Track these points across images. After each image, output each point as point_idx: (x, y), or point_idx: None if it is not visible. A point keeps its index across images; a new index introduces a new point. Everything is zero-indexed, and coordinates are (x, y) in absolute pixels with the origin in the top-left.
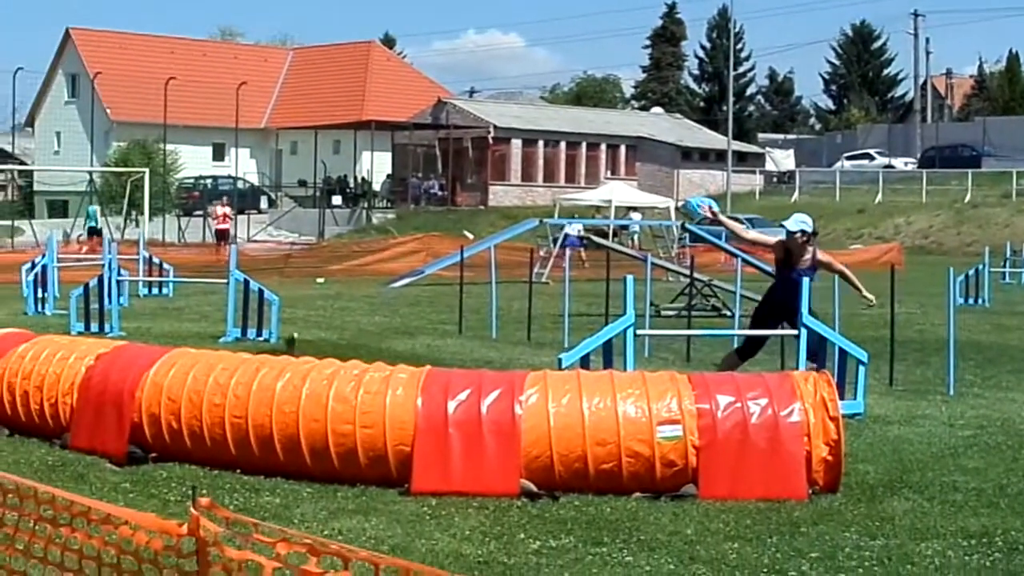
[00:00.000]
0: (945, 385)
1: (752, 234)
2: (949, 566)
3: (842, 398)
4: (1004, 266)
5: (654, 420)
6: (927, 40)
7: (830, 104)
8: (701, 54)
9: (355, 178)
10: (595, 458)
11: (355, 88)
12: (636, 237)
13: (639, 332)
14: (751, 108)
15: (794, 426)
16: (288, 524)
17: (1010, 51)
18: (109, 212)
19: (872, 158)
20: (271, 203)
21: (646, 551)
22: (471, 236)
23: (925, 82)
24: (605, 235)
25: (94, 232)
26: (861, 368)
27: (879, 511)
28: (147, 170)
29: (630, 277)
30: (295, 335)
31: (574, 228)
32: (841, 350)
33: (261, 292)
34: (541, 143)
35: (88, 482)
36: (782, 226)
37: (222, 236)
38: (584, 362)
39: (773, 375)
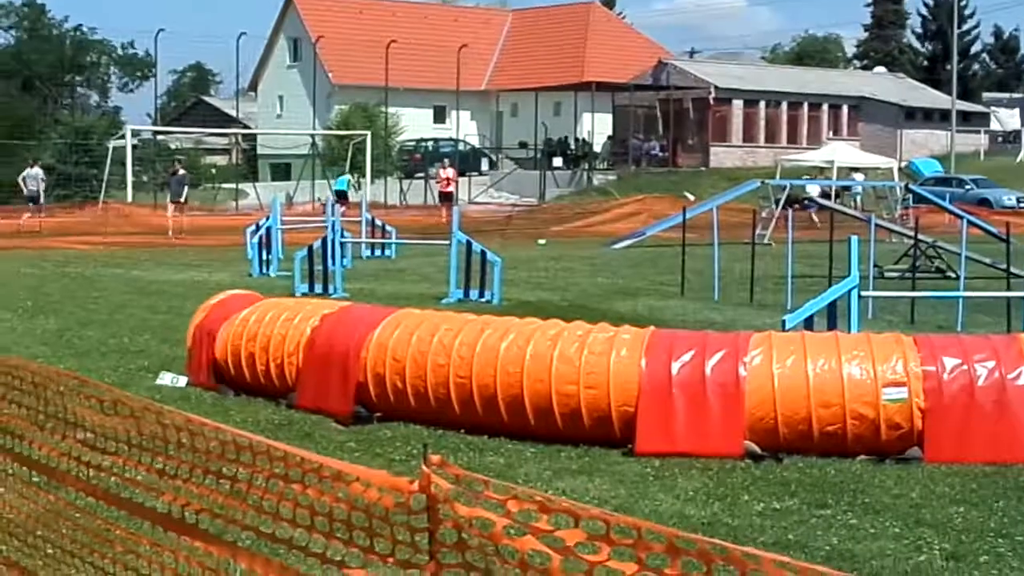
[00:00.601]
0: None
1: None
2: None
3: None
4: None
5: (879, 382)
6: None
7: None
8: (924, 11)
9: (575, 140)
10: (819, 420)
11: (575, 49)
12: (859, 198)
13: (863, 293)
14: (975, 66)
15: (1022, 389)
16: (513, 484)
17: None
18: (331, 175)
19: None
20: (492, 165)
21: (871, 514)
22: (692, 198)
23: None
24: (827, 196)
25: (342, 196)
26: None
27: None
28: (369, 133)
29: (854, 238)
30: None
31: (814, 189)
32: None
33: (484, 253)
34: (762, 104)
35: (314, 440)
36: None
37: (446, 198)
38: (808, 323)
39: (1000, 337)
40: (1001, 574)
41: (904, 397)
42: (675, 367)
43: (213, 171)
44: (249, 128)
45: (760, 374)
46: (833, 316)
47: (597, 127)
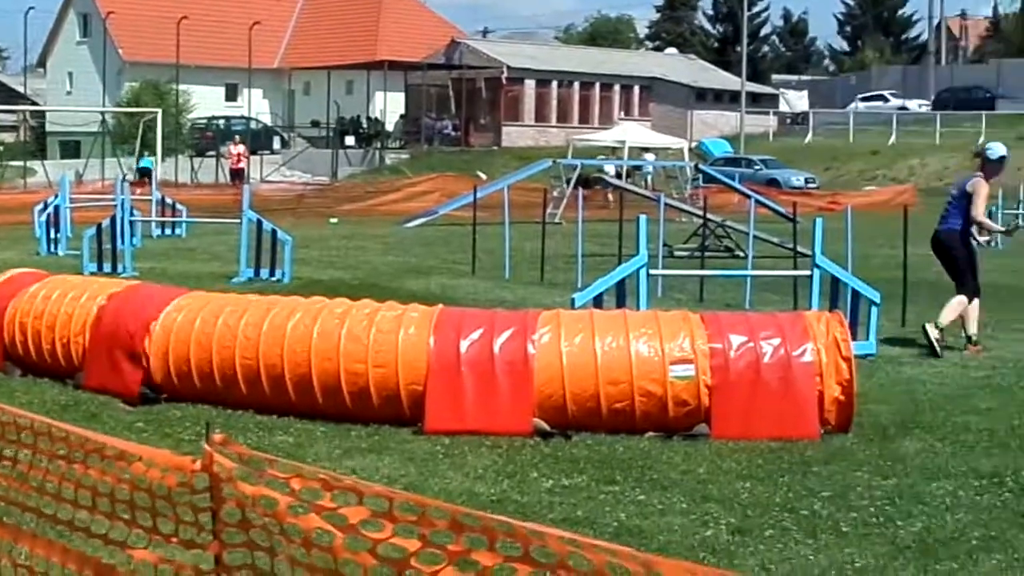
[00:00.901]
0: (957, 327)
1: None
2: (959, 505)
3: (855, 339)
4: (1018, 208)
5: (667, 359)
6: None
7: (844, 45)
8: None
9: (368, 118)
10: (608, 397)
11: (368, 28)
12: (649, 178)
13: (652, 272)
14: (765, 49)
15: (806, 366)
16: (302, 463)
17: None
18: (121, 153)
19: (886, 100)
20: (284, 144)
21: (659, 490)
22: (484, 177)
23: (940, 24)
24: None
25: (146, 174)
26: (874, 309)
27: (891, 451)
28: (160, 111)
29: (643, 217)
30: None
31: (611, 168)
32: (854, 291)
33: (274, 232)
34: (555, 84)
35: (101, 421)
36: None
37: (237, 176)
38: (597, 302)
39: (786, 315)
40: (786, 548)
41: (691, 374)
42: (464, 345)
43: (0, 148)
44: (38, 105)
45: (548, 352)
46: (622, 294)
47: (390, 106)
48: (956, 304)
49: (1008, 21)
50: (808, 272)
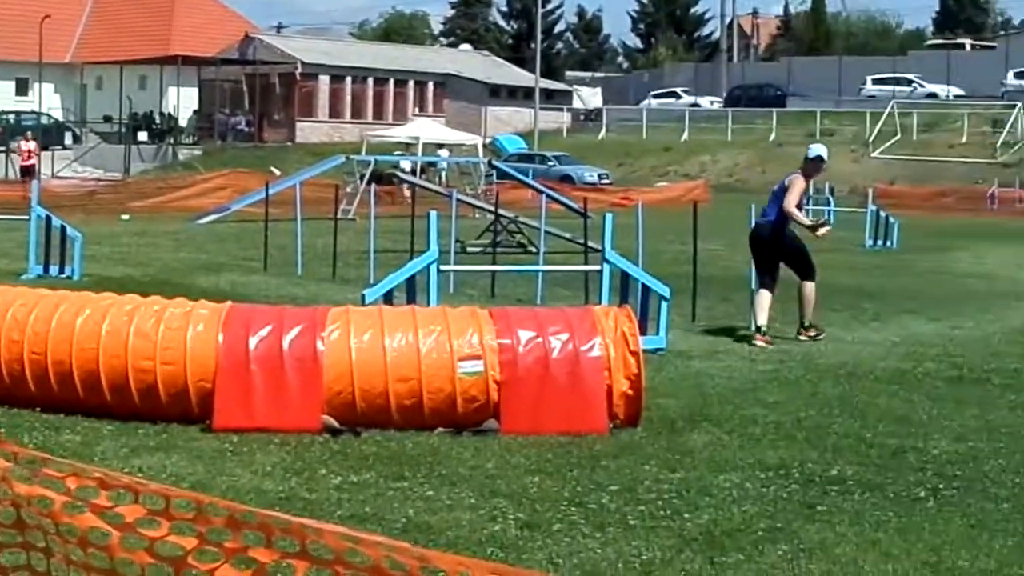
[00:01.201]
0: (747, 321)
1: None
2: (746, 497)
3: (645, 333)
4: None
5: (455, 356)
6: None
7: (638, 43)
8: None
9: (161, 114)
10: (397, 394)
11: (162, 22)
12: (444, 174)
13: (443, 268)
14: (559, 46)
15: (595, 361)
16: (88, 462)
17: None
18: None
19: (678, 96)
20: (76, 139)
21: (447, 485)
22: (278, 172)
23: (732, 22)
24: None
25: None
26: (663, 303)
27: (679, 444)
28: None
29: (434, 213)
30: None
31: (407, 164)
32: (644, 286)
33: (64, 229)
34: (349, 80)
35: None
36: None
37: (27, 172)
38: (388, 298)
39: (575, 309)
40: (574, 541)
41: (480, 370)
42: (252, 342)
43: None
44: None
45: (338, 348)
46: (412, 291)
47: (183, 101)
48: (810, 294)
49: (799, 20)
50: (598, 267)
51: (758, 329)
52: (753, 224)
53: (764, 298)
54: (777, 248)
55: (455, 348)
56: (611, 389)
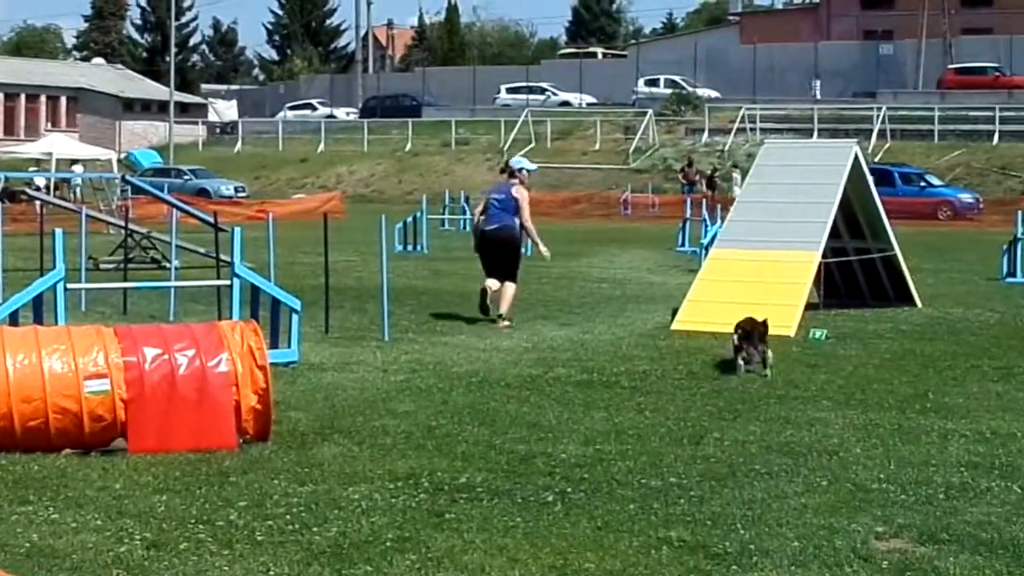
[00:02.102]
0: (381, 331)
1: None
2: (375, 508)
3: (277, 347)
4: (443, 213)
5: (81, 375)
6: None
7: (274, 55)
8: (143, 3)
9: None
10: (21, 415)
11: None
12: (78, 190)
13: (71, 286)
14: (195, 59)
15: (222, 376)
16: None
17: (450, 2)
18: None
19: (315, 108)
20: None
21: (73, 508)
22: None
23: (367, 33)
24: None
25: None
26: (295, 316)
27: (309, 457)
28: None
29: (59, 231)
30: None
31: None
32: (275, 299)
33: None
34: None
35: None
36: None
37: None
38: (14, 318)
39: (200, 325)
40: (201, 560)
41: (106, 389)
42: None
43: None
44: None
45: None
46: (39, 310)
47: None
48: (511, 292)
49: (433, 30)
50: (228, 281)
51: (500, 316)
52: (488, 228)
53: (508, 289)
54: (512, 252)
55: (80, 367)
56: (239, 404)
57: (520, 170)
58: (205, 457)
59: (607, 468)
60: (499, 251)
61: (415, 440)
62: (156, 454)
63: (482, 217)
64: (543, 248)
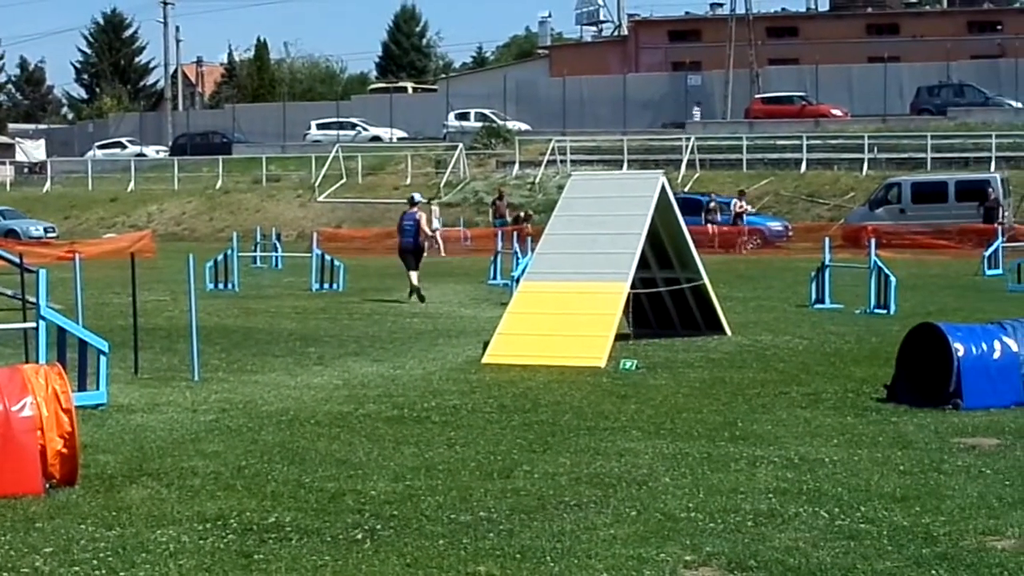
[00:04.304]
0: (190, 371)
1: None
2: (183, 551)
3: (85, 389)
4: (255, 250)
5: None
6: (177, 28)
7: (82, 93)
8: None
9: None
10: None
11: None
12: None
13: None
14: (1, 97)
15: (26, 420)
16: None
17: (259, 39)
18: None
19: (124, 146)
20: None
21: None
22: None
23: (176, 70)
24: None
25: None
26: (103, 358)
27: (117, 501)
28: None
29: None
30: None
31: None
32: (82, 341)
33: None
34: None
35: None
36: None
37: None
38: None
39: (3, 369)
40: None
41: None
42: None
43: None
44: None
45: None
46: None
47: None
48: (416, 275)
49: (243, 67)
50: (34, 324)
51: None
52: (406, 240)
53: (414, 275)
54: (419, 254)
55: None
56: (45, 448)
57: (418, 202)
58: (10, 503)
59: (417, 504)
60: (414, 255)
61: (224, 480)
62: None
63: (399, 237)
64: (440, 241)
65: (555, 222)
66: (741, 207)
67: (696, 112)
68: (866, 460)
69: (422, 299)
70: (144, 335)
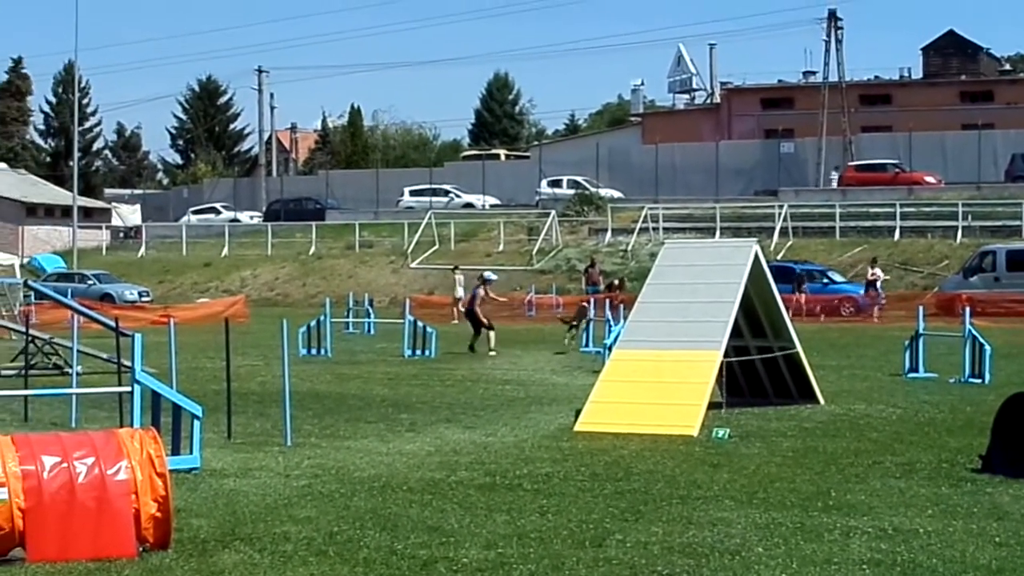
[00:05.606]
0: (283, 436)
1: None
2: None
3: (178, 453)
4: (347, 316)
5: None
6: (271, 95)
7: (177, 159)
8: (47, 108)
9: None
10: None
11: None
12: None
13: None
14: (98, 163)
15: (121, 484)
16: None
17: (352, 106)
18: None
19: (218, 212)
20: None
21: None
22: None
23: (270, 137)
24: None
25: None
26: (196, 422)
27: (209, 566)
28: None
29: None
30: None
31: None
32: (176, 405)
33: None
34: None
35: None
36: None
37: None
38: None
39: (99, 433)
40: None
41: (4, 498)
42: None
43: None
44: None
45: None
46: None
47: None
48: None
49: (336, 134)
50: (129, 388)
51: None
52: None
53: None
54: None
55: None
56: (139, 512)
57: (487, 281)
58: (104, 566)
59: (509, 572)
60: (471, 320)
61: (316, 546)
62: (55, 563)
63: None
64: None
65: (648, 290)
66: (873, 275)
67: (833, 176)
68: (961, 531)
69: (471, 349)
70: (237, 400)
